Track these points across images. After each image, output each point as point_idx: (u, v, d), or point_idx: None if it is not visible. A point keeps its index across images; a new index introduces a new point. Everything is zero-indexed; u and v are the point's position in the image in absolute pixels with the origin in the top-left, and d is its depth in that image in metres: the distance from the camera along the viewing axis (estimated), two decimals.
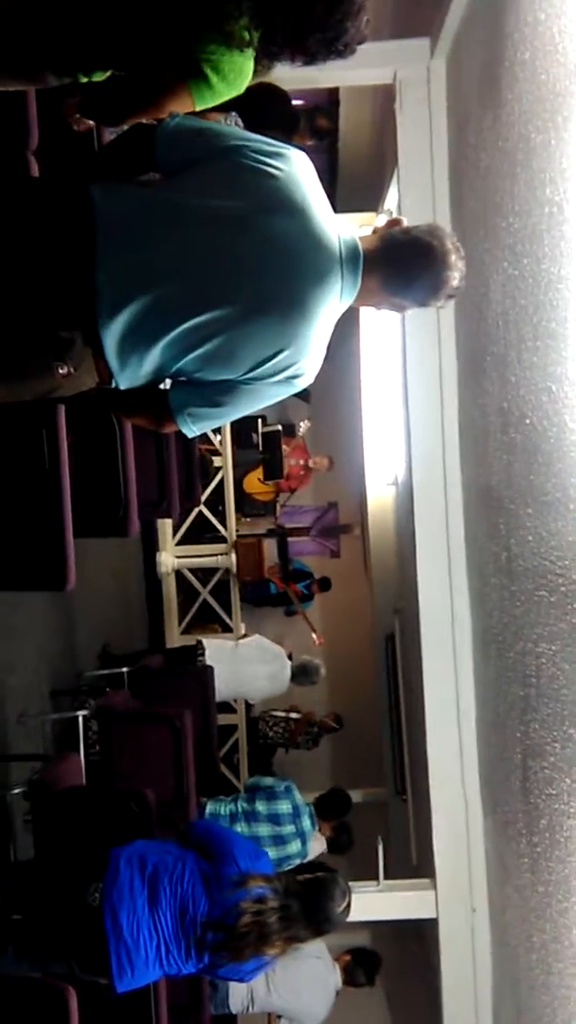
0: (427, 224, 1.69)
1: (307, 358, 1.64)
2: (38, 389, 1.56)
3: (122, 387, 1.60)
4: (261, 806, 3.56)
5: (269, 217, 1.57)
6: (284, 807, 3.56)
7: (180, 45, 1.65)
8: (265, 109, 2.67)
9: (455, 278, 1.64)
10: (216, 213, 1.56)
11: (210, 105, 1.74)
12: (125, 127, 2.02)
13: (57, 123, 2.03)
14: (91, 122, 2.02)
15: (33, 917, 2.29)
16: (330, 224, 1.63)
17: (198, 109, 1.76)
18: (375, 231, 1.70)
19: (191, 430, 1.67)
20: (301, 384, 1.68)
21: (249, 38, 1.60)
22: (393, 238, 1.66)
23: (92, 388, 1.60)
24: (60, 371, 1.51)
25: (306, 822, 3.57)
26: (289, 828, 3.54)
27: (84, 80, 1.76)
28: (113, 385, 1.59)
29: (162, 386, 1.68)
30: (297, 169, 1.62)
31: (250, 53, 1.67)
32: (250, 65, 1.71)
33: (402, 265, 1.64)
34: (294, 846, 3.54)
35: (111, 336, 1.52)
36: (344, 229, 1.66)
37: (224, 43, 1.63)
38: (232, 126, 1.69)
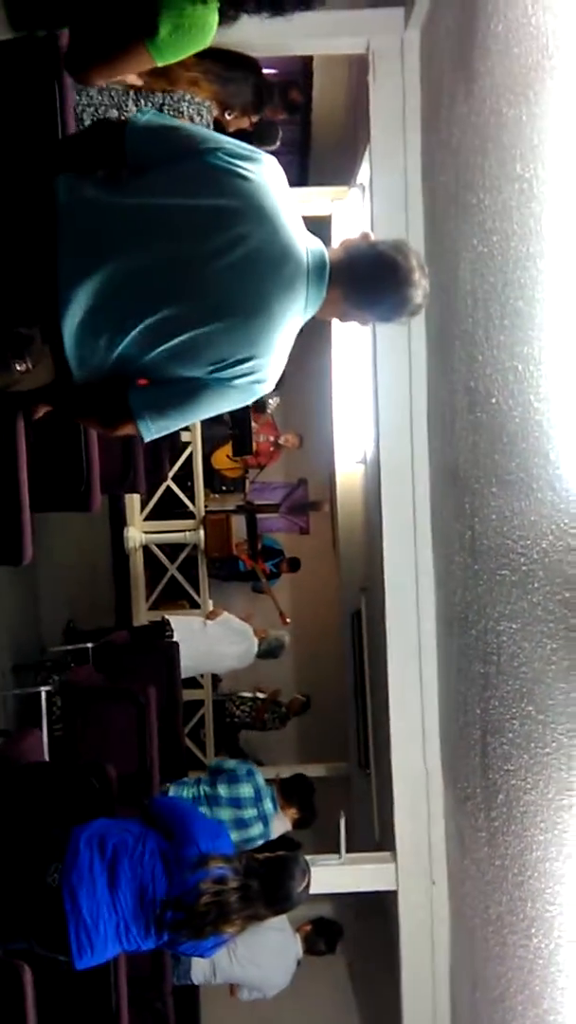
0: (394, 240, 1.69)
1: (269, 365, 1.63)
2: None
3: (78, 382, 1.58)
4: (223, 790, 3.56)
5: (238, 220, 1.55)
6: (246, 791, 3.57)
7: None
8: (237, 62, 2.59)
9: (418, 296, 1.66)
10: (184, 212, 1.54)
11: (172, 61, 1.70)
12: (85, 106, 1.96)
13: (19, 100, 1.96)
14: None
15: None
16: (298, 233, 1.63)
17: (160, 65, 1.72)
18: (342, 244, 1.70)
19: (149, 432, 1.64)
20: (262, 390, 1.68)
21: None
22: (359, 252, 1.66)
23: (49, 383, 1.57)
24: (18, 367, 1.50)
25: (268, 805, 3.59)
26: (251, 812, 3.55)
27: (42, 35, 1.71)
28: (70, 381, 1.57)
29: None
30: (267, 175, 1.61)
31: (213, 6, 1.64)
32: (214, 18, 1.68)
33: (367, 281, 1.65)
34: (256, 829, 3.56)
35: (71, 333, 1.51)
36: (311, 240, 1.65)
37: None
38: (203, 129, 1.65)
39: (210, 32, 1.67)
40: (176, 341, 1.54)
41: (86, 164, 1.66)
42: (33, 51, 2.01)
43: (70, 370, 1.54)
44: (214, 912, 2.20)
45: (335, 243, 1.72)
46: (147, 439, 1.67)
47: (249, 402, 1.70)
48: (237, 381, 1.61)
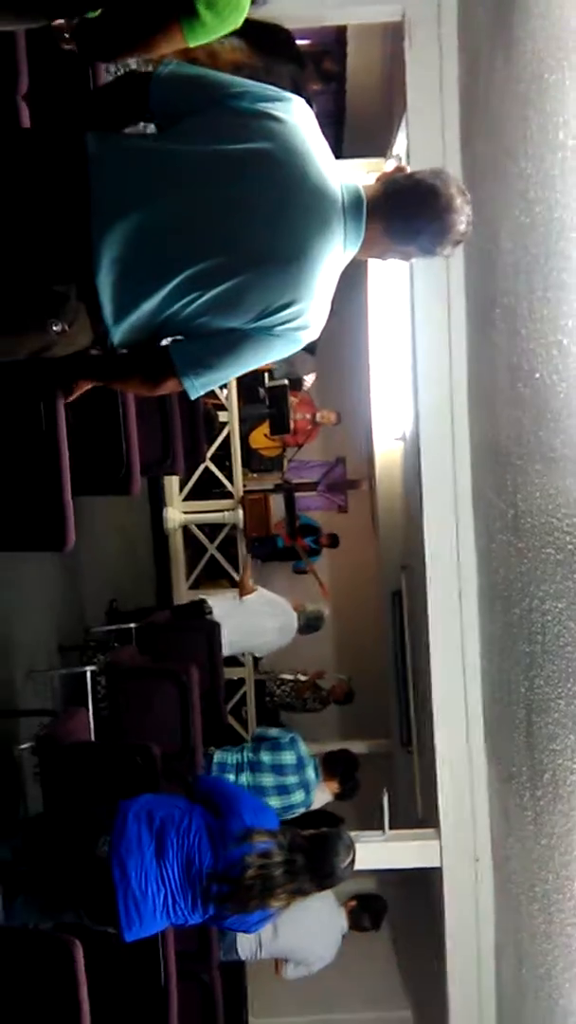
0: (432, 168, 1.62)
1: (312, 309, 1.59)
2: (32, 346, 1.51)
3: (116, 342, 1.55)
4: (266, 756, 3.60)
5: (270, 162, 1.52)
6: (288, 758, 3.60)
7: None
8: (273, 43, 2.55)
9: (462, 223, 1.58)
10: (215, 159, 1.51)
11: (204, 42, 1.67)
12: (119, 68, 1.94)
13: (47, 65, 1.96)
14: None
15: (42, 869, 2.33)
16: (331, 171, 1.58)
17: (191, 46, 1.69)
18: (379, 178, 1.64)
19: (195, 388, 1.60)
20: (306, 337, 1.63)
21: None
22: (396, 183, 1.60)
23: (86, 346, 1.55)
24: (54, 328, 1.46)
25: (310, 773, 3.62)
26: (293, 779, 3.58)
27: (75, 18, 1.69)
28: (108, 343, 1.55)
29: (165, 342, 1.62)
30: (297, 116, 1.57)
31: None
32: None
33: (406, 210, 1.58)
34: (298, 796, 3.59)
35: (107, 288, 1.48)
36: (346, 176, 1.61)
37: None
38: (229, 75, 1.62)
39: (242, 14, 1.63)
40: (215, 292, 1.51)
41: (114, 116, 1.63)
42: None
43: (107, 330, 1.52)
44: (259, 886, 2.22)
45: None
46: (193, 396, 1.63)
47: (294, 351, 1.65)
48: (279, 328, 1.57)
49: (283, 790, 3.55)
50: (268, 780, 3.57)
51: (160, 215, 1.49)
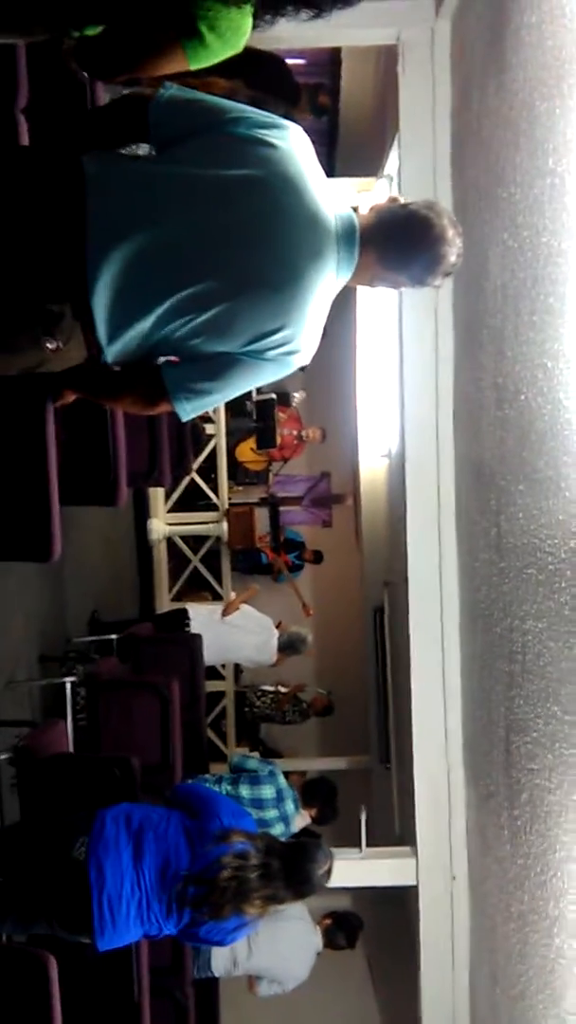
0: (424, 200, 1.66)
1: (303, 334, 1.61)
2: (26, 363, 1.53)
3: (110, 361, 1.57)
4: (244, 791, 3.58)
5: (265, 189, 1.54)
6: (268, 792, 3.59)
7: (177, 2, 1.59)
8: (268, 79, 2.59)
9: (452, 254, 1.61)
10: (211, 183, 1.53)
11: (205, 65, 1.68)
12: (122, 88, 1.95)
13: (47, 80, 1.97)
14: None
15: (17, 878, 2.31)
16: (326, 199, 1.60)
17: (193, 68, 1.70)
18: (372, 208, 1.67)
19: (185, 410, 1.61)
20: (298, 362, 1.65)
21: None
22: (390, 214, 1.63)
23: (80, 363, 1.56)
24: (48, 345, 1.49)
25: (289, 806, 3.60)
26: (272, 813, 3.57)
27: (76, 35, 1.70)
28: (102, 360, 1.56)
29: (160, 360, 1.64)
30: (294, 143, 1.59)
31: (248, 9, 1.61)
32: (248, 22, 1.65)
33: (399, 240, 1.61)
34: (277, 829, 3.57)
35: (101, 309, 1.49)
36: (340, 205, 1.63)
37: (222, 0, 1.57)
38: (227, 100, 1.64)
39: (244, 36, 1.64)
40: (207, 315, 1.53)
41: (113, 137, 1.65)
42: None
43: (102, 349, 1.53)
44: (234, 888, 2.20)
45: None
46: (184, 418, 1.65)
47: (285, 374, 1.67)
48: (271, 353, 1.59)
49: (263, 825, 3.53)
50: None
51: (155, 238, 1.50)
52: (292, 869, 2.30)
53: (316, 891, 2.40)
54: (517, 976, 3.08)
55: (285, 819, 3.56)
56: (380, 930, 4.77)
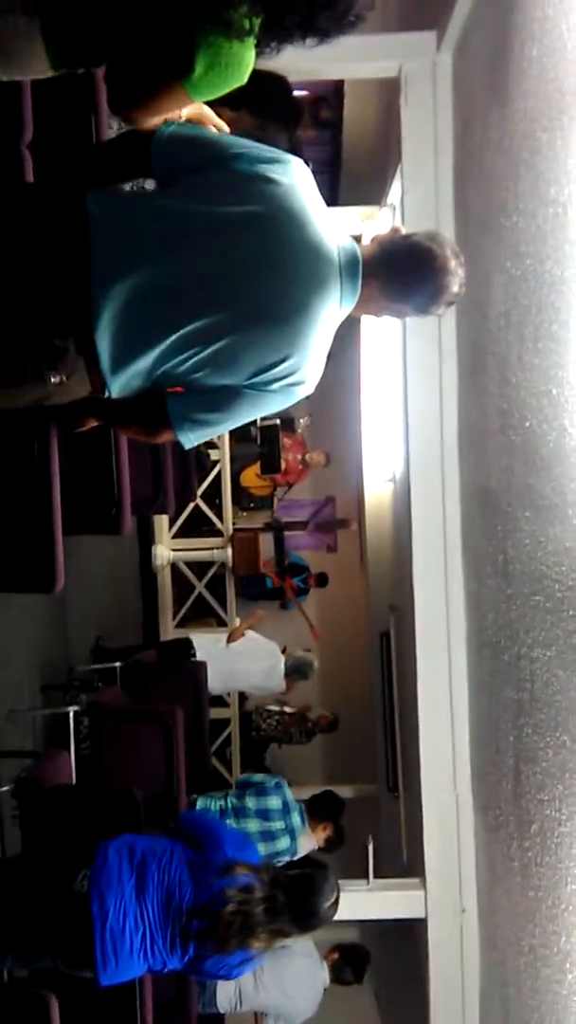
0: (426, 231, 1.68)
1: (308, 365, 1.62)
2: (30, 397, 1.54)
3: (114, 395, 1.58)
4: (250, 802, 3.55)
5: (268, 224, 1.55)
6: (274, 803, 3.56)
7: (178, 36, 1.60)
8: (268, 101, 2.62)
9: (455, 284, 1.64)
10: (214, 219, 1.54)
11: (208, 99, 1.70)
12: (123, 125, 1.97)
13: (52, 116, 1.99)
14: None
15: (19, 912, 2.27)
16: (328, 232, 1.62)
17: (197, 102, 1.72)
18: (374, 239, 1.69)
19: (189, 439, 1.63)
20: (302, 392, 1.66)
21: (250, 26, 1.56)
22: (392, 245, 1.65)
23: (85, 396, 1.57)
24: (52, 379, 1.49)
25: (295, 818, 3.56)
26: (278, 824, 3.53)
27: (81, 71, 1.72)
28: (105, 394, 1.57)
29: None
30: (296, 177, 1.61)
31: (250, 42, 1.63)
32: (251, 54, 1.67)
33: (401, 271, 1.63)
34: (283, 842, 3.53)
35: (105, 344, 1.50)
36: (342, 237, 1.65)
37: (223, 32, 1.59)
38: (228, 136, 1.66)
39: (247, 69, 1.66)
40: (212, 349, 1.54)
41: (115, 175, 1.68)
42: (71, 83, 2.05)
43: (105, 382, 1.54)
44: (239, 922, 2.16)
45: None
46: (188, 447, 1.67)
47: (290, 404, 1.69)
48: (275, 385, 1.60)
49: (268, 836, 3.50)
50: (253, 826, 3.51)
51: (159, 275, 1.51)
52: (298, 902, 2.26)
53: (323, 924, 2.36)
54: (529, 1012, 3.02)
55: (291, 832, 3.52)
56: (388, 963, 4.68)
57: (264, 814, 3.52)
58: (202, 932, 2.19)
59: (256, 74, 1.93)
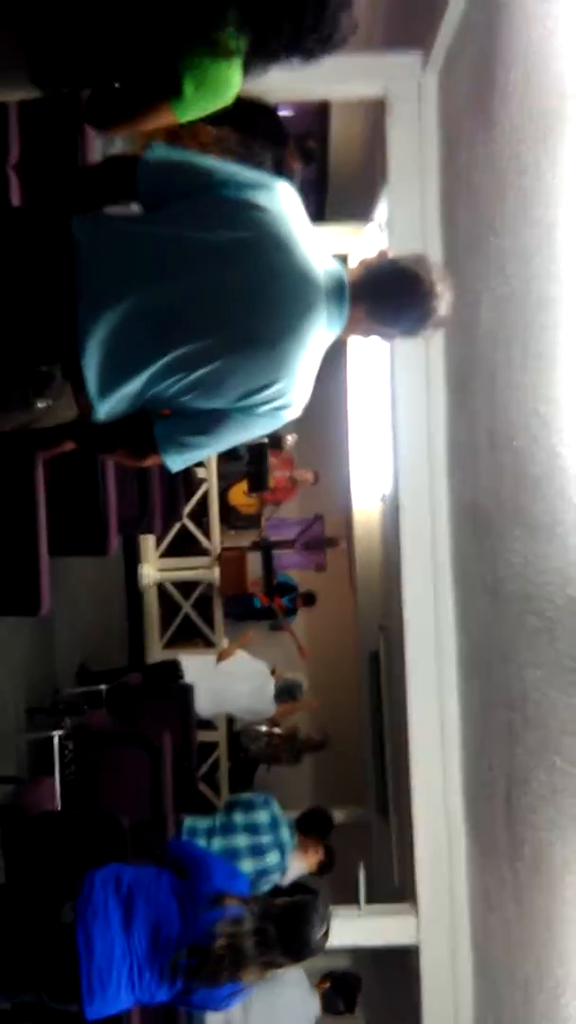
0: (413, 254, 1.70)
1: (295, 389, 1.62)
2: (17, 421, 1.54)
3: (101, 419, 1.57)
4: (239, 817, 3.51)
5: (255, 250, 1.55)
6: (262, 817, 3.51)
7: (164, 56, 1.60)
8: (254, 124, 2.62)
9: (442, 308, 1.65)
10: (202, 246, 1.54)
11: (195, 117, 1.70)
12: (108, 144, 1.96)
13: (39, 137, 1.98)
14: None
15: (2, 944, 2.22)
16: (315, 256, 1.62)
17: (183, 122, 1.72)
18: (361, 262, 1.70)
19: (175, 463, 1.63)
20: (289, 416, 1.66)
21: (235, 46, 1.56)
22: (379, 268, 1.67)
23: (71, 419, 1.56)
24: (39, 404, 1.49)
25: (285, 833, 3.52)
26: (267, 838, 3.48)
27: (67, 91, 1.71)
28: (93, 418, 1.55)
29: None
30: (282, 202, 1.61)
31: (237, 62, 1.63)
32: (237, 75, 1.67)
33: (388, 295, 1.64)
34: (272, 856, 3.48)
35: (93, 369, 1.50)
36: (329, 261, 1.65)
37: (210, 53, 1.59)
38: (215, 161, 1.66)
39: (233, 89, 1.66)
40: (198, 374, 1.54)
41: (101, 198, 1.67)
42: (57, 104, 2.05)
43: (92, 406, 1.54)
44: (229, 957, 2.12)
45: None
46: (173, 470, 1.67)
47: (276, 427, 1.69)
48: (262, 408, 1.60)
49: (257, 850, 3.45)
50: (242, 841, 3.47)
51: (145, 300, 1.51)
52: (289, 934, 2.22)
53: (315, 955, 2.32)
54: None
55: (280, 846, 3.47)
56: (381, 990, 4.61)
57: (253, 828, 3.48)
58: (191, 967, 2.15)
59: (244, 105, 1.93)
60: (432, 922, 3.83)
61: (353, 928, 3.90)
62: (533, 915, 2.81)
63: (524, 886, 2.89)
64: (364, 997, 4.01)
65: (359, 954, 4.76)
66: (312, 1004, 3.76)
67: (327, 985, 3.88)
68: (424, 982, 3.84)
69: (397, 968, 4.46)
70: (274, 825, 3.51)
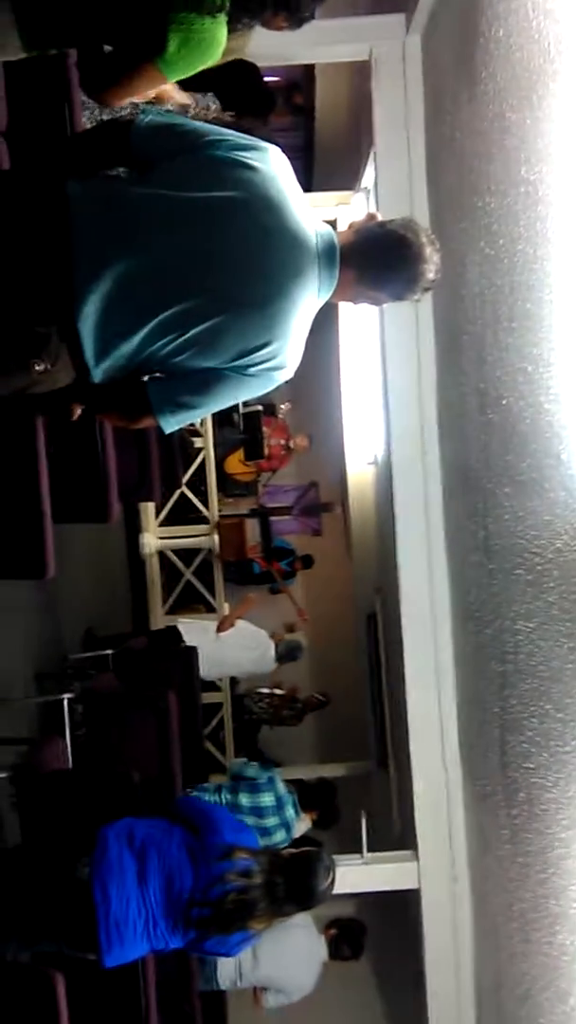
0: (403, 218, 1.70)
1: (288, 351, 1.64)
2: (15, 385, 1.55)
3: (97, 381, 1.60)
4: (244, 799, 3.58)
5: (246, 210, 1.58)
6: (267, 799, 3.59)
7: (150, 14, 1.62)
8: (240, 90, 2.64)
9: (431, 271, 1.66)
10: (193, 205, 1.56)
11: (184, 76, 1.72)
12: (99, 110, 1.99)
13: (27, 104, 2.00)
14: None
15: (20, 898, 2.31)
16: (306, 219, 1.64)
17: (172, 81, 1.74)
18: (351, 226, 1.71)
19: (169, 424, 1.65)
20: (282, 377, 1.69)
21: (221, 3, 1.58)
22: (369, 232, 1.68)
23: (68, 383, 1.60)
24: (36, 367, 1.51)
25: (289, 811, 3.61)
26: (273, 820, 3.57)
27: (53, 53, 1.74)
28: (89, 380, 1.59)
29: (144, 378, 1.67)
30: (273, 164, 1.63)
31: (222, 18, 1.65)
32: (223, 31, 1.69)
33: (378, 259, 1.66)
34: (279, 835, 3.58)
35: (88, 331, 1.52)
36: (320, 224, 1.67)
37: (195, 9, 1.60)
38: (206, 124, 1.68)
39: (219, 47, 1.67)
40: (193, 333, 1.56)
41: (94, 163, 1.69)
42: (45, 70, 2.06)
43: (88, 369, 1.56)
44: (240, 908, 2.22)
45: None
46: (167, 431, 1.69)
47: (269, 389, 1.71)
48: (254, 368, 1.62)
49: (264, 832, 3.53)
50: (248, 822, 3.55)
51: (140, 261, 1.53)
52: (297, 884, 2.32)
53: (321, 903, 2.42)
54: (521, 975, 3.10)
55: (286, 825, 3.57)
56: (385, 934, 4.77)
57: (258, 811, 3.55)
58: (204, 918, 2.25)
59: (229, 64, 1.94)
60: (432, 865, 3.97)
61: (357, 875, 4.04)
62: (528, 855, 2.93)
63: (519, 829, 3.00)
64: (369, 941, 4.16)
65: (364, 900, 4.92)
66: (318, 945, 3.90)
67: (334, 932, 4.01)
68: (425, 923, 3.99)
69: (400, 913, 4.63)
70: (279, 805, 3.58)
